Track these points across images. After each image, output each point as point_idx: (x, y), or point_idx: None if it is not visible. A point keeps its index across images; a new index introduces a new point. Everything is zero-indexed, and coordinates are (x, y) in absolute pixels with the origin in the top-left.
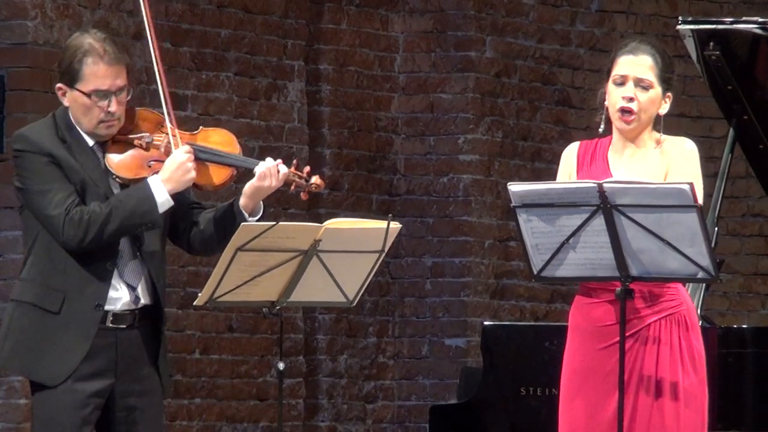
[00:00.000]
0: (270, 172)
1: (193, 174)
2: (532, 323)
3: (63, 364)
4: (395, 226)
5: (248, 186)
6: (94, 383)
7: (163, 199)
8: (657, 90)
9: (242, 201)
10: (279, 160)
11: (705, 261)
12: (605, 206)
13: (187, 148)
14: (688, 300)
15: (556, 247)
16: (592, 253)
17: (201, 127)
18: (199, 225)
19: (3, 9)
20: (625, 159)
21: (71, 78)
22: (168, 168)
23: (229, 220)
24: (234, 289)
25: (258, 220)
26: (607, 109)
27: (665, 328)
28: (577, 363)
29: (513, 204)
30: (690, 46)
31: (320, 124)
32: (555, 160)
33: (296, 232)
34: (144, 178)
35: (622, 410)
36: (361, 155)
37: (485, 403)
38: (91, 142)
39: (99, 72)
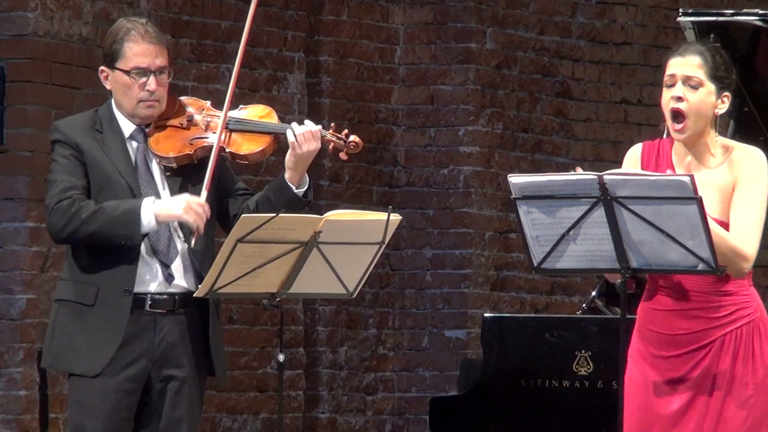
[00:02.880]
0: (299, 139)
1: (177, 212)
2: (533, 315)
3: (99, 354)
4: (395, 217)
5: (288, 158)
6: (131, 369)
7: (147, 220)
8: (708, 88)
9: (287, 174)
10: (313, 125)
11: (705, 253)
12: (605, 198)
13: (200, 202)
14: (761, 304)
15: (557, 238)
16: (593, 244)
17: (241, 105)
18: (249, 208)
19: (4, 0)
20: (691, 166)
21: (112, 58)
22: (166, 201)
23: (277, 195)
24: (234, 280)
25: (304, 193)
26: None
27: (740, 338)
28: (645, 367)
29: (513, 196)
30: (690, 38)
31: (320, 115)
32: (555, 151)
33: (296, 223)
34: (188, 155)
35: (622, 403)
36: (361, 147)
37: (485, 395)
38: (130, 129)
39: (139, 50)
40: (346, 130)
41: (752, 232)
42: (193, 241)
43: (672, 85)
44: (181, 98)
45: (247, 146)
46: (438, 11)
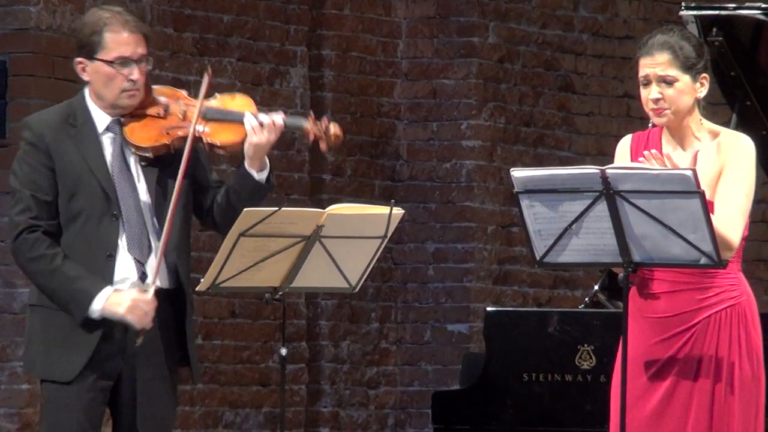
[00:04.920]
0: (255, 130)
1: (119, 311)
2: (535, 309)
3: (73, 360)
4: (398, 211)
5: (245, 145)
6: (103, 367)
7: (97, 308)
8: (684, 80)
9: (246, 162)
10: (279, 118)
11: (708, 247)
12: (608, 192)
13: (146, 300)
14: (749, 290)
15: (559, 232)
16: (595, 238)
17: (217, 94)
18: (218, 201)
19: None
20: (680, 153)
21: (92, 49)
22: (117, 295)
23: (240, 184)
24: (237, 274)
25: (267, 178)
26: None
27: (725, 320)
28: (632, 352)
29: (516, 190)
30: (693, 32)
31: (323, 109)
32: (557, 145)
33: (299, 217)
34: (165, 145)
35: (624, 398)
36: (363, 141)
37: (487, 389)
38: (106, 122)
39: (121, 39)
40: (325, 119)
41: (737, 221)
42: (139, 341)
43: (647, 85)
44: (156, 87)
45: (224, 136)
46: (440, 5)
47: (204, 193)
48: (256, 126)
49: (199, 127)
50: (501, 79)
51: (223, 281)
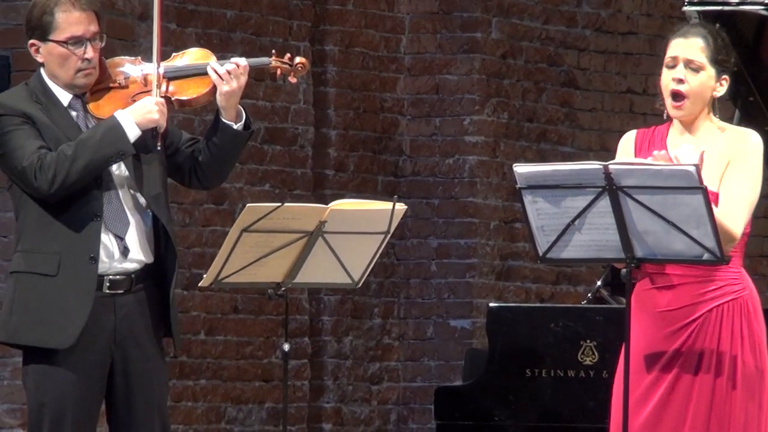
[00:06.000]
0: (223, 78)
1: (156, 116)
2: (538, 305)
3: (70, 324)
4: (400, 207)
5: (217, 98)
6: (97, 354)
7: (130, 127)
8: (709, 72)
9: (222, 114)
10: (242, 60)
11: (711, 243)
12: (611, 188)
13: (158, 99)
14: (751, 285)
15: (562, 228)
16: (598, 234)
17: (174, 53)
18: (198, 159)
19: None
20: (688, 147)
21: (44, 31)
22: (135, 106)
23: (220, 138)
24: (239, 270)
25: (246, 125)
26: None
27: (727, 314)
28: (635, 347)
29: (518, 185)
30: None
31: (326, 105)
32: (560, 141)
33: (301, 213)
34: None
35: (627, 394)
36: (366, 136)
37: (490, 385)
38: (68, 99)
39: (72, 19)
40: (288, 54)
41: (741, 214)
42: (159, 145)
43: (673, 67)
44: (109, 60)
45: (192, 90)
46: (443, 1)
47: (179, 155)
48: (224, 74)
49: (165, 88)
50: (504, 74)
51: (226, 277)
